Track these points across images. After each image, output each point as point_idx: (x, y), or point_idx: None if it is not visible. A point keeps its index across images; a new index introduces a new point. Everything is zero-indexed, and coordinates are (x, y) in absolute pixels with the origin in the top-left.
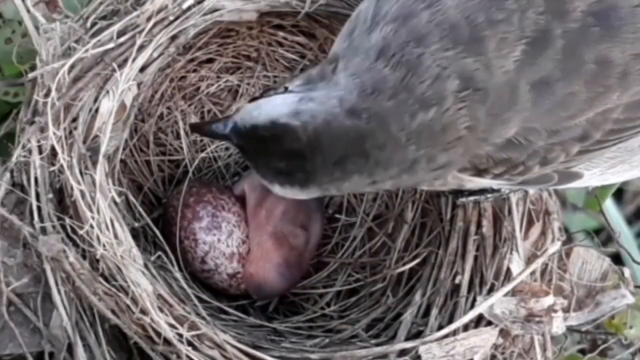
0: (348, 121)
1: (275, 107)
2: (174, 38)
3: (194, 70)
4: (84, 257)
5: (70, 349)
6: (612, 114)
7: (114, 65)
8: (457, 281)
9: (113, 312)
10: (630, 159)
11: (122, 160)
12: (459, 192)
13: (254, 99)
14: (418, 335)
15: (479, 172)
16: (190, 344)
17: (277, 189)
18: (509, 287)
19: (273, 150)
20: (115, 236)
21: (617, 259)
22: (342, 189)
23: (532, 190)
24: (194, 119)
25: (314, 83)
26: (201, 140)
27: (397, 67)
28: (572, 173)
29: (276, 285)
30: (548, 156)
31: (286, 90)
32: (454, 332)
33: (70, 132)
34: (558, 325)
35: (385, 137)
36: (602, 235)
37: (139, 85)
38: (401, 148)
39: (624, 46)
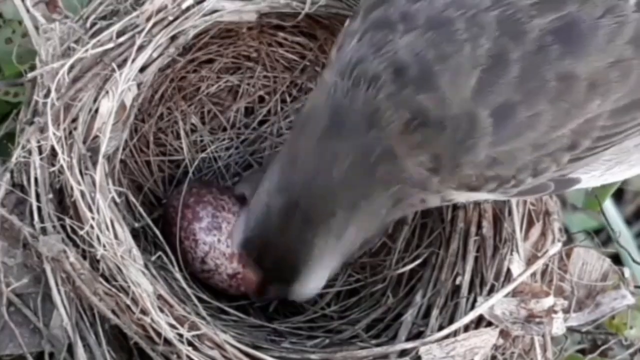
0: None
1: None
2: (173, 38)
3: (194, 71)
4: (84, 258)
5: (70, 349)
6: (598, 122)
7: (114, 65)
8: (457, 282)
9: (113, 312)
10: (627, 158)
11: (122, 161)
12: None
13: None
14: (418, 335)
15: (472, 189)
16: (190, 344)
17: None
18: (509, 287)
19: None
20: (116, 236)
21: (616, 259)
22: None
23: None
24: (194, 119)
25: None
26: (201, 141)
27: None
28: (569, 179)
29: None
30: (538, 167)
31: None
32: (455, 333)
33: (70, 133)
34: (558, 326)
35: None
36: (602, 236)
37: (138, 85)
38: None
39: (588, 58)
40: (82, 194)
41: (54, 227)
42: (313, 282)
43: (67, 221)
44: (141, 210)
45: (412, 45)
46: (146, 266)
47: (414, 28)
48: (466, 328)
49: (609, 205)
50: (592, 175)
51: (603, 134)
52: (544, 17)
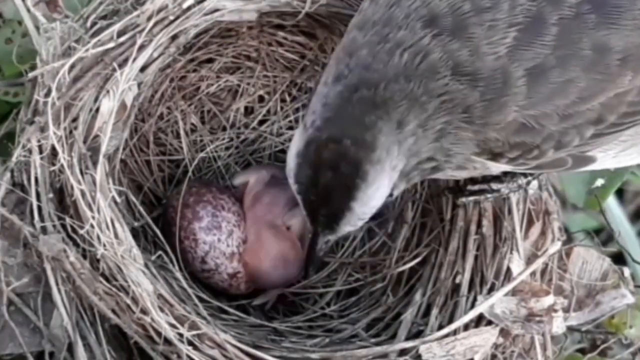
0: None
1: None
2: (174, 38)
3: (194, 70)
4: (85, 257)
5: (70, 348)
6: (627, 97)
7: (114, 65)
8: (457, 281)
9: (113, 311)
10: None
11: (122, 160)
12: (459, 192)
13: None
14: (418, 334)
15: (494, 156)
16: (190, 343)
17: None
18: (509, 286)
19: None
20: (116, 236)
21: (619, 258)
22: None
23: (532, 190)
24: (194, 119)
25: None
26: (201, 140)
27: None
28: (586, 157)
29: (272, 277)
30: (563, 140)
31: None
32: (455, 332)
33: (71, 132)
34: (558, 325)
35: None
36: (602, 235)
37: (139, 85)
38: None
39: (622, 32)
40: (83, 193)
41: (54, 226)
42: (375, 193)
43: (68, 220)
44: (141, 209)
45: None
46: (146, 265)
47: None
48: (466, 327)
49: (612, 204)
50: (607, 154)
51: (630, 110)
52: None
